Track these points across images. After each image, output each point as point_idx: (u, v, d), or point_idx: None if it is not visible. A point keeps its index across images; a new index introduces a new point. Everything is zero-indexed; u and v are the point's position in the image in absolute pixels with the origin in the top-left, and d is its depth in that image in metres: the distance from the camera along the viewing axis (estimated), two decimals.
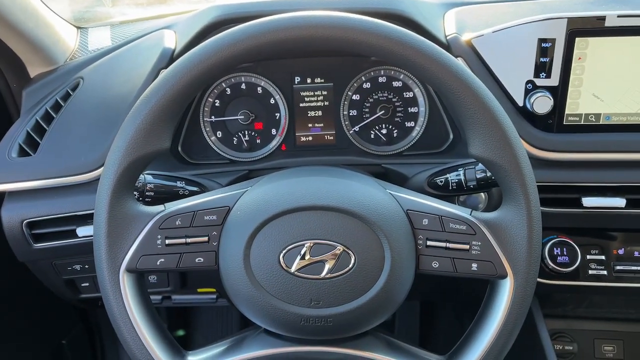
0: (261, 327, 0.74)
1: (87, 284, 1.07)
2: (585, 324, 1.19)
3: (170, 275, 1.07)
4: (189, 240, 0.69)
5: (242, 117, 1.02)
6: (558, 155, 0.93)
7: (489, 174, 0.85)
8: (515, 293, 0.67)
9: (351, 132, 1.05)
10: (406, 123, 1.04)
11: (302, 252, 0.66)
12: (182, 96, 0.65)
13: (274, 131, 1.04)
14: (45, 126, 1.00)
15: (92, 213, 0.69)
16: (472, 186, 0.88)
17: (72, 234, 0.97)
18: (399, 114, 1.03)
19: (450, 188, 0.90)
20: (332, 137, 1.05)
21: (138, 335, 0.68)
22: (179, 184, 0.89)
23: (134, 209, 0.69)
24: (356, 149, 1.05)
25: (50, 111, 1.02)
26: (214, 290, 1.20)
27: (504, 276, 0.67)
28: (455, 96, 0.64)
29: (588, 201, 0.94)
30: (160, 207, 0.71)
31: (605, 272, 0.99)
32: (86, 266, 1.03)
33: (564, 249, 0.97)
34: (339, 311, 0.66)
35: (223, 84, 1.04)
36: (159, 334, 0.70)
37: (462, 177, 0.88)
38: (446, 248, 0.68)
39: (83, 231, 0.96)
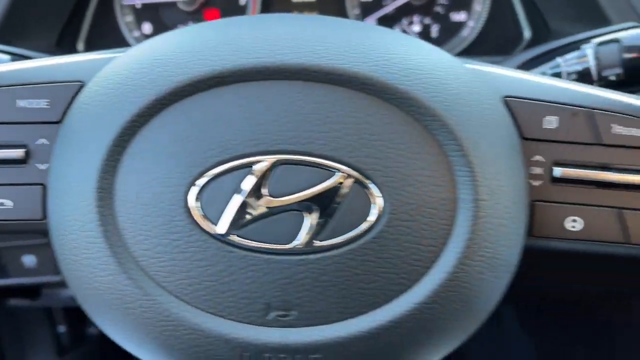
0: None
1: None
2: None
3: None
4: None
5: None
6: None
7: None
8: None
9: None
10: (453, 15, 0.78)
11: (248, 184, 0.31)
12: None
13: None
14: None
15: None
16: (614, 77, 0.50)
17: None
18: (443, 1, 0.76)
19: None
20: None
21: None
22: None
23: None
24: None
25: None
26: None
27: None
28: None
29: None
30: None
31: None
32: None
33: None
34: (344, 333, 0.31)
35: None
36: None
37: (591, 62, 0.51)
38: (605, 185, 0.36)
39: None
